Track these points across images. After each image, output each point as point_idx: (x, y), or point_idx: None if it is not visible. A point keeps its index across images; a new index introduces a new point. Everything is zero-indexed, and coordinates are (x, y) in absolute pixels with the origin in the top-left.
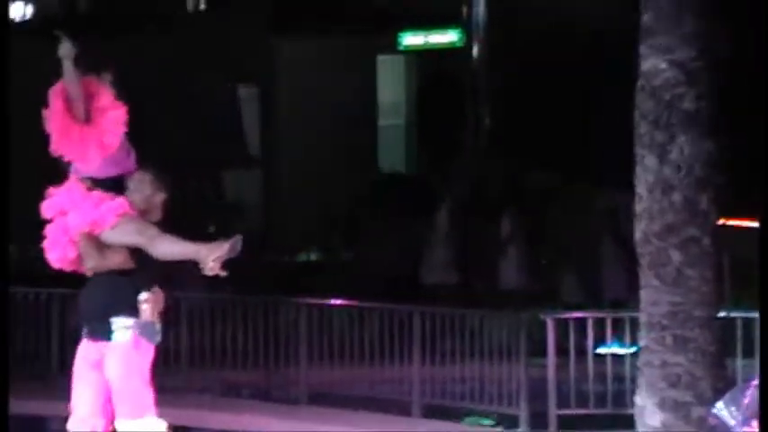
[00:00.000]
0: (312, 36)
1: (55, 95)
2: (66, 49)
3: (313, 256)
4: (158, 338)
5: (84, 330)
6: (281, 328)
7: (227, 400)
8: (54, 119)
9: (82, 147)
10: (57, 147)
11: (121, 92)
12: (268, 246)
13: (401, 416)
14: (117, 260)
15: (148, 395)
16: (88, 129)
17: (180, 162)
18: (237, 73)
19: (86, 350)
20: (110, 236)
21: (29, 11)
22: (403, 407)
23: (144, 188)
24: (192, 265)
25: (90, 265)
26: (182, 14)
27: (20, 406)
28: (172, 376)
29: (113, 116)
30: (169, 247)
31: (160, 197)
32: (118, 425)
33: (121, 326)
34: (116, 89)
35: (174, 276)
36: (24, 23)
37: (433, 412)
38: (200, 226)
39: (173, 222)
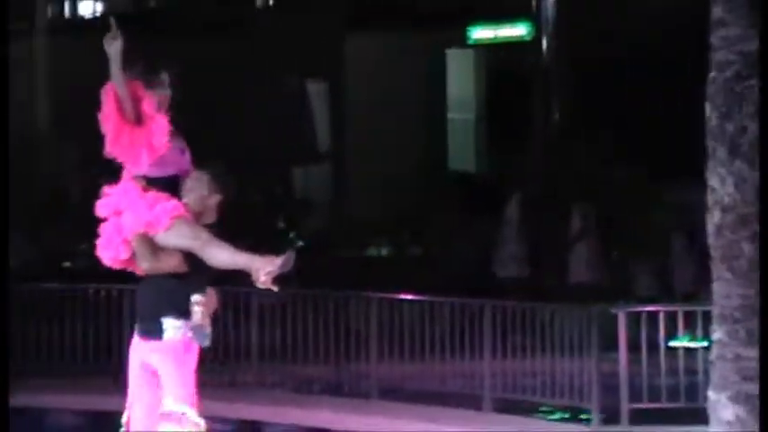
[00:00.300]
0: (381, 31)
1: (106, 96)
2: (111, 45)
3: (383, 251)
4: (208, 342)
5: (137, 329)
6: (351, 322)
7: (298, 395)
8: (107, 119)
9: (132, 148)
10: (110, 148)
11: (180, 91)
12: (338, 241)
13: (472, 410)
14: (171, 263)
15: (192, 391)
16: (138, 130)
17: (250, 159)
18: (307, 69)
19: (138, 349)
20: (164, 238)
21: (98, 8)
22: (474, 401)
23: (200, 189)
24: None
25: (144, 267)
26: (251, 11)
27: (92, 402)
28: (243, 372)
29: (159, 121)
30: (221, 255)
31: (216, 199)
32: (162, 407)
33: (172, 326)
34: (174, 89)
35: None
36: (94, 20)
37: (504, 406)
38: (270, 222)
39: (242, 219)
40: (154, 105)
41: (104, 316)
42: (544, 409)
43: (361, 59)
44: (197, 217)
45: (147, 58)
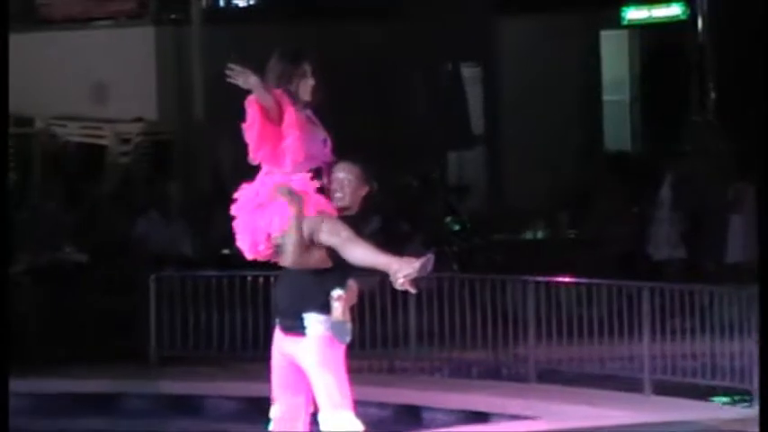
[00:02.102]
0: (535, 13)
1: (250, 106)
2: (247, 82)
3: (539, 234)
4: (348, 338)
5: (278, 323)
6: (509, 306)
7: (456, 379)
8: (250, 127)
9: (276, 152)
10: (254, 155)
11: (324, 80)
12: (494, 225)
13: (632, 393)
14: (315, 258)
15: (344, 390)
16: (282, 134)
17: (405, 144)
18: (460, 53)
19: (281, 343)
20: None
21: None
22: (633, 384)
23: (354, 182)
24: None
25: (288, 262)
26: None
27: (250, 388)
28: (401, 357)
29: (288, 120)
30: (361, 254)
31: (364, 191)
32: (320, 416)
33: (314, 321)
34: (317, 78)
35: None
36: (249, 10)
37: (663, 389)
38: (427, 207)
39: (400, 205)
40: (293, 114)
41: (262, 303)
42: (704, 391)
43: (515, 43)
44: (344, 210)
45: (286, 52)
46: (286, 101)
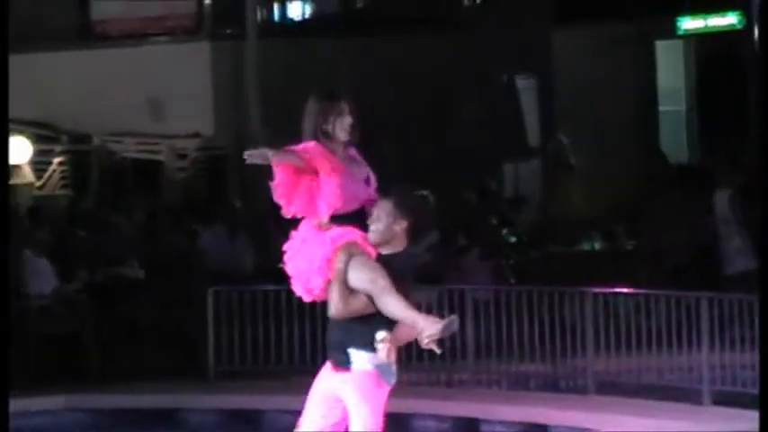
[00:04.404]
0: (590, 24)
1: (277, 166)
2: (267, 159)
3: (596, 245)
4: (394, 380)
5: (329, 357)
6: (566, 318)
7: (514, 392)
8: (281, 185)
9: (310, 203)
10: (288, 209)
11: (381, 93)
12: (551, 236)
13: (691, 403)
14: (358, 306)
15: (379, 429)
16: (313, 184)
17: (462, 156)
18: (516, 64)
19: (329, 377)
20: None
21: (308, 10)
22: (692, 395)
23: (384, 217)
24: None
25: (332, 312)
26: (458, 8)
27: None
28: (459, 370)
29: (323, 169)
30: (393, 307)
31: (402, 225)
32: None
33: (360, 357)
34: (356, 116)
35: (461, 269)
36: (304, 23)
37: (723, 399)
38: (483, 219)
39: (457, 218)
40: (328, 162)
41: (320, 317)
42: None
43: (570, 53)
44: (385, 244)
45: (322, 91)
46: (317, 151)
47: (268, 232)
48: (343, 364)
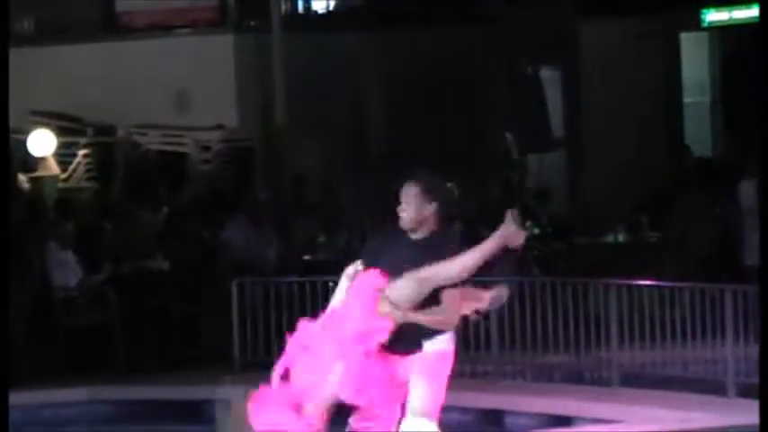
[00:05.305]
0: (615, 16)
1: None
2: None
3: (621, 237)
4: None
5: (391, 352)
6: (591, 309)
7: (539, 383)
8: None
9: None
10: None
11: (408, 85)
12: (575, 228)
13: (716, 395)
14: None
15: (437, 403)
16: None
17: (486, 147)
18: (541, 56)
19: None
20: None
21: (332, 3)
22: (718, 387)
23: (413, 201)
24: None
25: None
26: (486, 1)
27: None
28: (483, 361)
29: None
30: (448, 268)
31: (429, 209)
32: (404, 419)
33: (431, 340)
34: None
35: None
36: (328, 16)
37: (748, 391)
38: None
39: (479, 209)
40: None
41: None
42: None
43: (596, 45)
44: (417, 226)
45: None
46: None
47: (292, 224)
48: (414, 348)
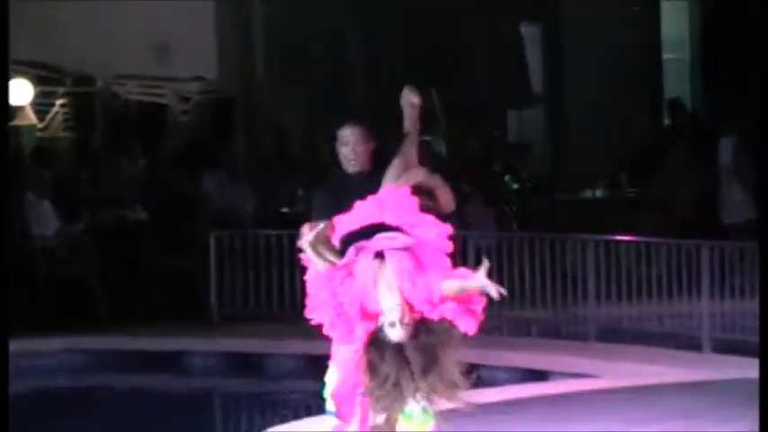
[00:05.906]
0: None
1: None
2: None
3: (599, 193)
4: None
5: None
6: (568, 265)
7: (515, 338)
8: None
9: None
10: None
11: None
12: (553, 184)
13: (691, 351)
14: None
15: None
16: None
17: (466, 103)
18: (520, 12)
19: None
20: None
21: None
22: (692, 342)
23: (359, 141)
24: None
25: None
26: None
27: (305, 346)
28: None
29: None
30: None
31: (372, 146)
32: None
33: None
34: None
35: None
36: None
37: (722, 347)
38: (487, 166)
39: (460, 163)
40: None
41: None
42: None
43: (575, 1)
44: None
45: None
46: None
47: (271, 177)
48: None
